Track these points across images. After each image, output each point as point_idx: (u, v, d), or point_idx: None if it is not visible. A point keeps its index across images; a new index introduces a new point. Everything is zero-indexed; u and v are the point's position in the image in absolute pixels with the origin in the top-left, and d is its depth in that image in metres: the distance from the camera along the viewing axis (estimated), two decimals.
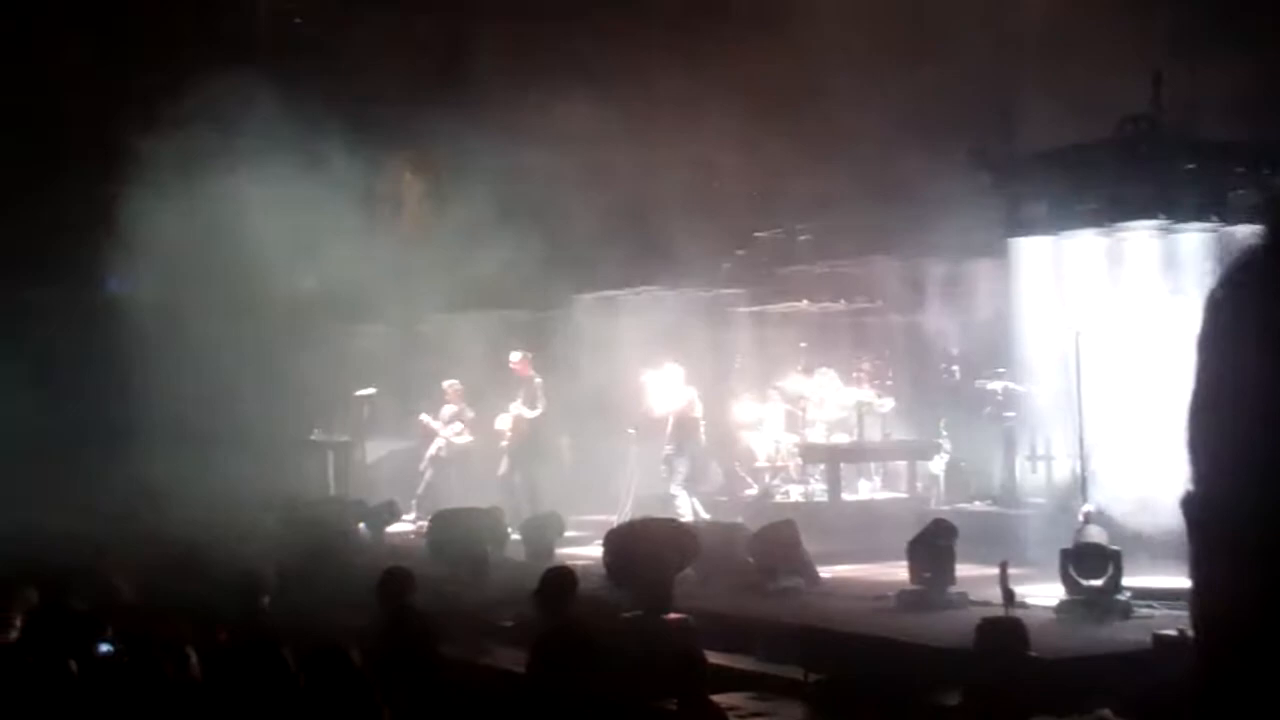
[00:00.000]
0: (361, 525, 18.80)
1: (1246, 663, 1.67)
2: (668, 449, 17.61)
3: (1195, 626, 1.77)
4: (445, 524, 16.59)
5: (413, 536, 18.64)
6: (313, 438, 22.51)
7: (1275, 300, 1.73)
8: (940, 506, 16.79)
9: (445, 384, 20.75)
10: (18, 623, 8.54)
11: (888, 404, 18.57)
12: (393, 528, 18.93)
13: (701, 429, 17.84)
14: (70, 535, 15.87)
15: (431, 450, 20.62)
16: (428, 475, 20.43)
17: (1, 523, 16.68)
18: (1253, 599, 1.68)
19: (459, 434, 20.45)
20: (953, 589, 12.68)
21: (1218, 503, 1.72)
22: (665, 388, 17.78)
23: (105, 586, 11.11)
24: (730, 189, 18.33)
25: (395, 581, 10.66)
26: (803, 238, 19.28)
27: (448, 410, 20.62)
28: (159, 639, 7.47)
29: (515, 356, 19.60)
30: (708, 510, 17.41)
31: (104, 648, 7.72)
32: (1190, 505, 1.75)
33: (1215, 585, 1.73)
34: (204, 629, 8.53)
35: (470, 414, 20.48)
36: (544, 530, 16.55)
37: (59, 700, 6.73)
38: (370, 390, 22.20)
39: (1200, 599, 1.75)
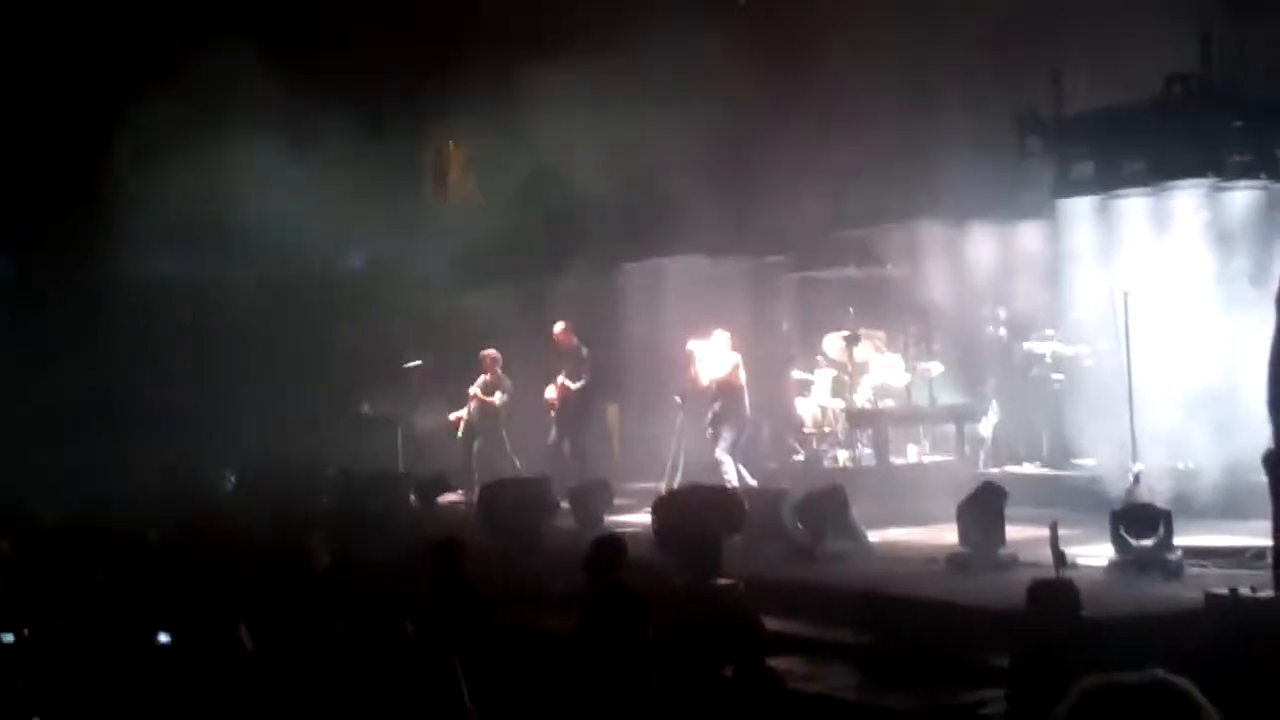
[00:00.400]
0: (412, 497, 18.91)
1: None
2: (712, 414, 17.60)
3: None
4: (495, 494, 16.67)
5: (463, 507, 18.74)
6: (362, 411, 22.62)
7: None
8: (989, 469, 16.75)
9: (483, 353, 20.79)
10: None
11: (935, 368, 18.52)
12: (443, 498, 19.04)
13: (746, 395, 17.82)
14: (128, 512, 15.98)
15: (465, 416, 20.62)
16: (475, 446, 20.45)
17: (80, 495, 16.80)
18: None
19: (498, 397, 20.44)
20: (1002, 551, 12.65)
21: None
22: (711, 354, 17.77)
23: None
24: (775, 155, 18.25)
25: (447, 552, 10.72)
26: (849, 202, 19.20)
27: (484, 379, 20.65)
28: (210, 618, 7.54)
29: (559, 326, 19.63)
30: (755, 476, 17.40)
31: (163, 638, 7.76)
32: (1270, 462, 1.77)
33: None
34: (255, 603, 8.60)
35: (508, 381, 20.49)
36: (593, 498, 16.60)
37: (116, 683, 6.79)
38: (417, 362, 22.29)
39: None
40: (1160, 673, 2.79)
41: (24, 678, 5.98)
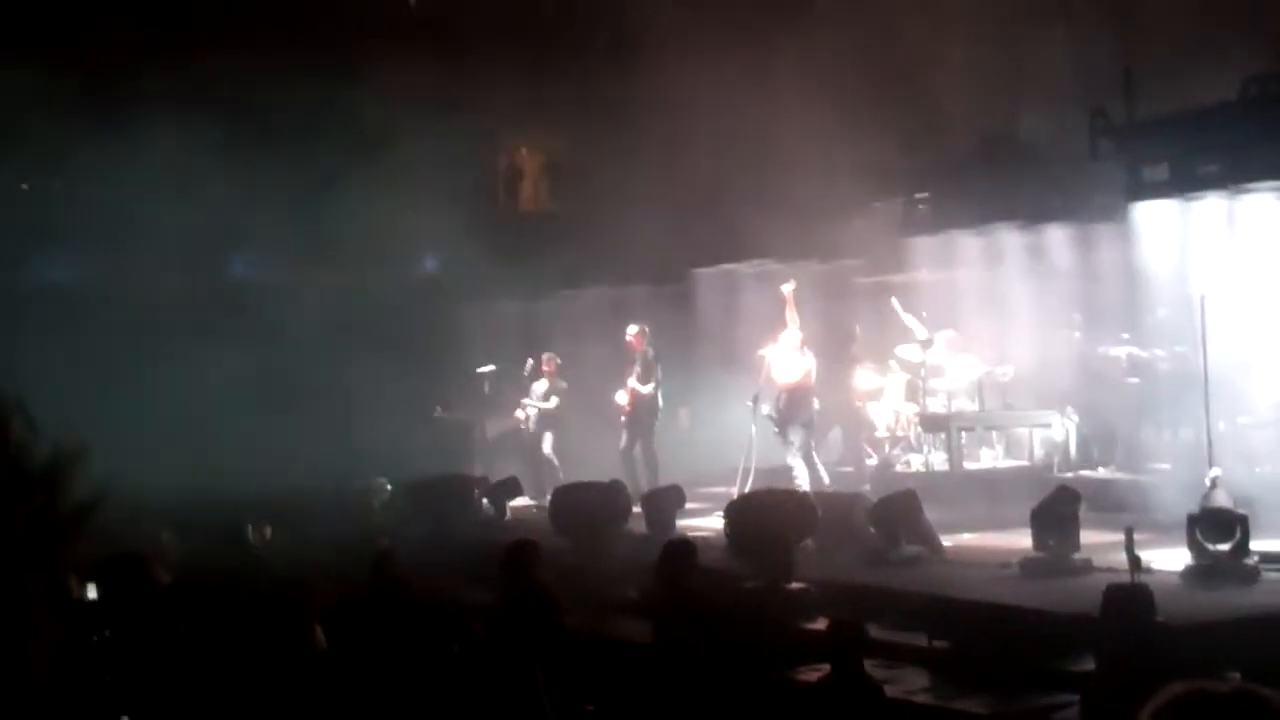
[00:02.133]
0: (484, 500, 19.02)
1: None
2: (781, 416, 17.58)
3: None
4: (566, 498, 16.73)
5: (534, 511, 18.83)
6: (435, 415, 22.77)
7: None
8: (1064, 474, 16.65)
9: (543, 357, 20.94)
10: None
11: (1009, 371, 18.43)
12: (514, 502, 19.14)
13: (815, 399, 17.80)
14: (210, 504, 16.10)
15: (525, 425, 20.81)
16: (545, 450, 20.57)
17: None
18: None
19: (545, 399, 20.59)
20: (1077, 556, 12.58)
21: None
22: (784, 359, 17.76)
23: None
24: (848, 158, 18.23)
25: (520, 555, 10.76)
26: (921, 206, 19.15)
27: (541, 385, 20.76)
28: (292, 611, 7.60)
29: (631, 330, 19.70)
30: (830, 480, 17.38)
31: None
32: None
33: None
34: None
35: (563, 384, 20.63)
36: (664, 502, 16.62)
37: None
38: (490, 367, 22.42)
39: None
40: (1237, 677, 2.79)
41: (113, 674, 6.01)
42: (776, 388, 17.62)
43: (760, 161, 18.20)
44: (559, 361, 20.89)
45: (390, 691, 6.30)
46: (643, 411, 19.46)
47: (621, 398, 19.57)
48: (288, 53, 19.73)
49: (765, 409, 17.35)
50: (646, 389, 19.40)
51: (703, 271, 21.63)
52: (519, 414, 21.05)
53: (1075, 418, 17.69)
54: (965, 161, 17.67)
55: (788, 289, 17.41)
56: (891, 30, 17.72)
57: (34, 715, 2.57)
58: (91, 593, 6.71)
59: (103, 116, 19.52)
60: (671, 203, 18.78)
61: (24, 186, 22.61)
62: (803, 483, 16.89)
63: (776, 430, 17.52)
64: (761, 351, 17.82)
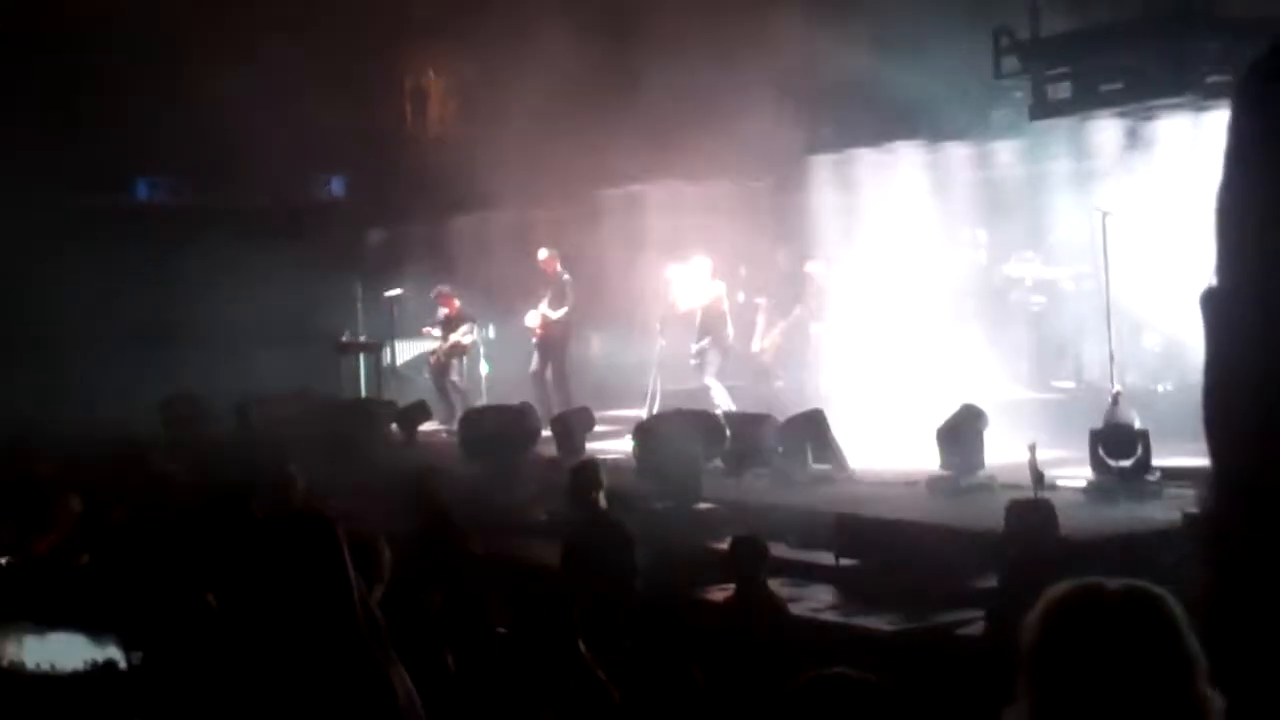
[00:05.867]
0: (393, 426, 18.91)
1: (1254, 457, 1.67)
2: (700, 343, 17.64)
3: (1206, 425, 1.76)
4: (475, 422, 16.68)
5: (444, 435, 18.76)
6: (342, 339, 22.57)
7: None
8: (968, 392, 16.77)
9: (434, 291, 20.74)
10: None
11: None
12: (423, 427, 19.05)
13: (729, 322, 17.84)
14: (110, 434, 15.90)
15: (431, 359, 20.66)
16: (452, 376, 20.44)
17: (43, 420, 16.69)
18: (1254, 383, 1.68)
19: (466, 334, 20.42)
20: (982, 473, 12.73)
21: (1228, 294, 1.71)
22: (691, 280, 17.76)
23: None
24: (752, 77, 18.13)
25: (427, 480, 10.76)
26: (825, 127, 19.10)
27: (442, 313, 20.59)
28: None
29: (543, 254, 19.59)
30: (736, 402, 17.44)
31: None
32: (1206, 299, 1.75)
33: (1225, 371, 1.73)
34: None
35: (469, 310, 20.47)
36: (574, 425, 16.62)
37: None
38: (398, 291, 22.24)
39: (1213, 395, 1.75)
40: (1136, 581, 2.81)
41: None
42: (681, 309, 17.65)
43: (667, 81, 18.06)
44: (445, 289, 20.63)
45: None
46: (555, 335, 19.41)
47: (532, 320, 19.48)
48: None
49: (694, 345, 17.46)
50: (558, 314, 19.33)
51: (608, 193, 21.51)
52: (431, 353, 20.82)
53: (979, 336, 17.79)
54: (867, 80, 17.62)
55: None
56: None
57: None
58: None
59: None
60: (574, 124, 18.60)
61: None
62: (720, 403, 16.97)
63: (695, 354, 17.59)
64: (667, 272, 17.82)
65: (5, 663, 4.14)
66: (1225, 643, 1.87)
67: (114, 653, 4.41)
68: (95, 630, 4.40)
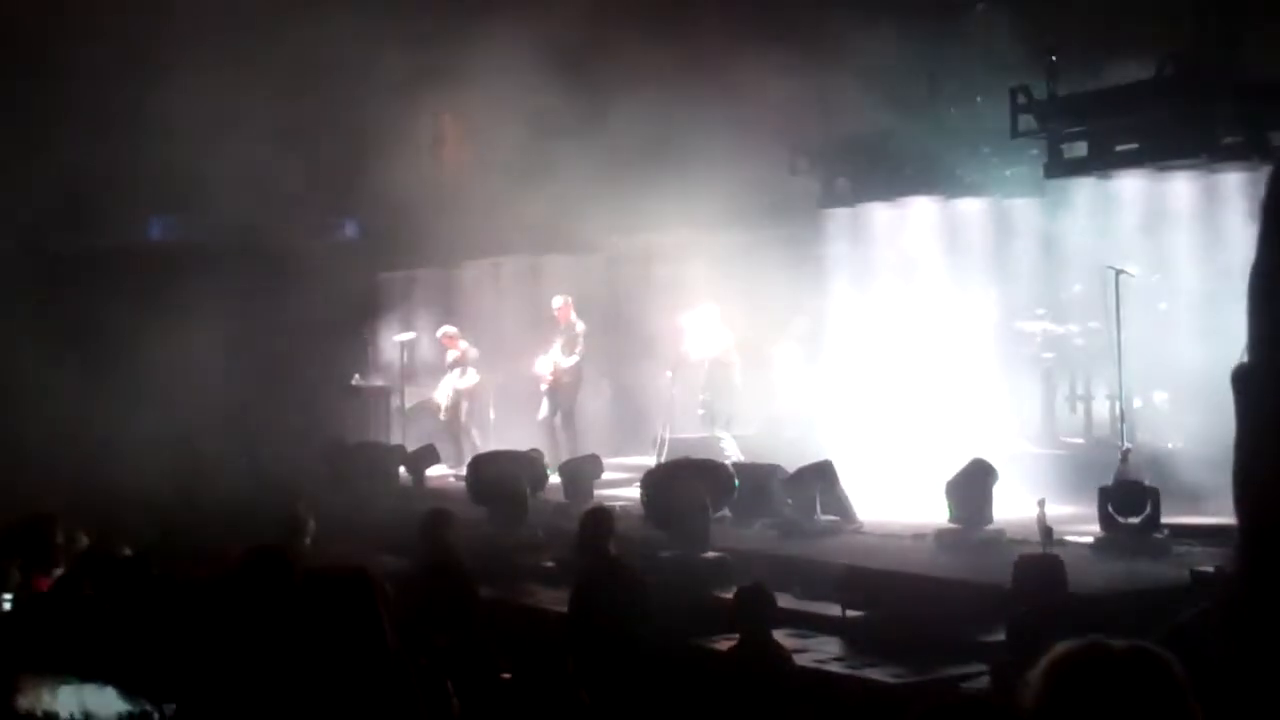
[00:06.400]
0: (401, 469, 18.93)
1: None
2: (704, 395, 17.69)
3: (1235, 496, 1.78)
4: (484, 467, 16.69)
5: (452, 480, 18.77)
6: (352, 383, 22.63)
7: None
8: (979, 447, 16.76)
9: (439, 332, 20.80)
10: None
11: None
12: (432, 471, 19.07)
13: (738, 371, 17.87)
14: (117, 480, 15.94)
15: (444, 403, 20.69)
16: (462, 420, 20.47)
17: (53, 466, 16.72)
18: None
19: (461, 376, 20.47)
20: (990, 528, 12.71)
21: (1263, 371, 1.74)
22: (702, 330, 17.80)
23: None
24: (770, 130, 18.21)
25: (435, 523, 10.75)
26: (840, 179, 19.16)
27: (450, 356, 20.63)
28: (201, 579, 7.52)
29: (558, 301, 19.66)
30: (745, 452, 17.44)
31: None
32: (1238, 376, 1.77)
33: (1255, 443, 1.75)
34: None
35: (474, 353, 20.51)
36: (582, 472, 16.63)
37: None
38: (410, 335, 22.29)
39: (1243, 468, 1.77)
40: (1140, 641, 2.82)
41: None
42: (694, 358, 17.69)
43: (682, 132, 18.15)
44: (451, 331, 20.70)
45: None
46: (565, 382, 19.45)
47: (543, 367, 19.53)
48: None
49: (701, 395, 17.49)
50: (569, 362, 19.38)
51: (623, 239, 21.56)
52: (437, 398, 20.85)
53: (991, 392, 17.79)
54: (884, 135, 17.69)
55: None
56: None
57: None
58: None
59: None
60: (587, 172, 18.67)
61: None
62: (730, 453, 16.99)
63: (703, 405, 17.63)
64: (681, 320, 17.87)
65: (40, 712, 4.14)
66: (1248, 694, 1.88)
67: (146, 705, 4.42)
68: (126, 682, 4.41)
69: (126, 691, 4.30)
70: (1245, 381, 1.81)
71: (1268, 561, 1.81)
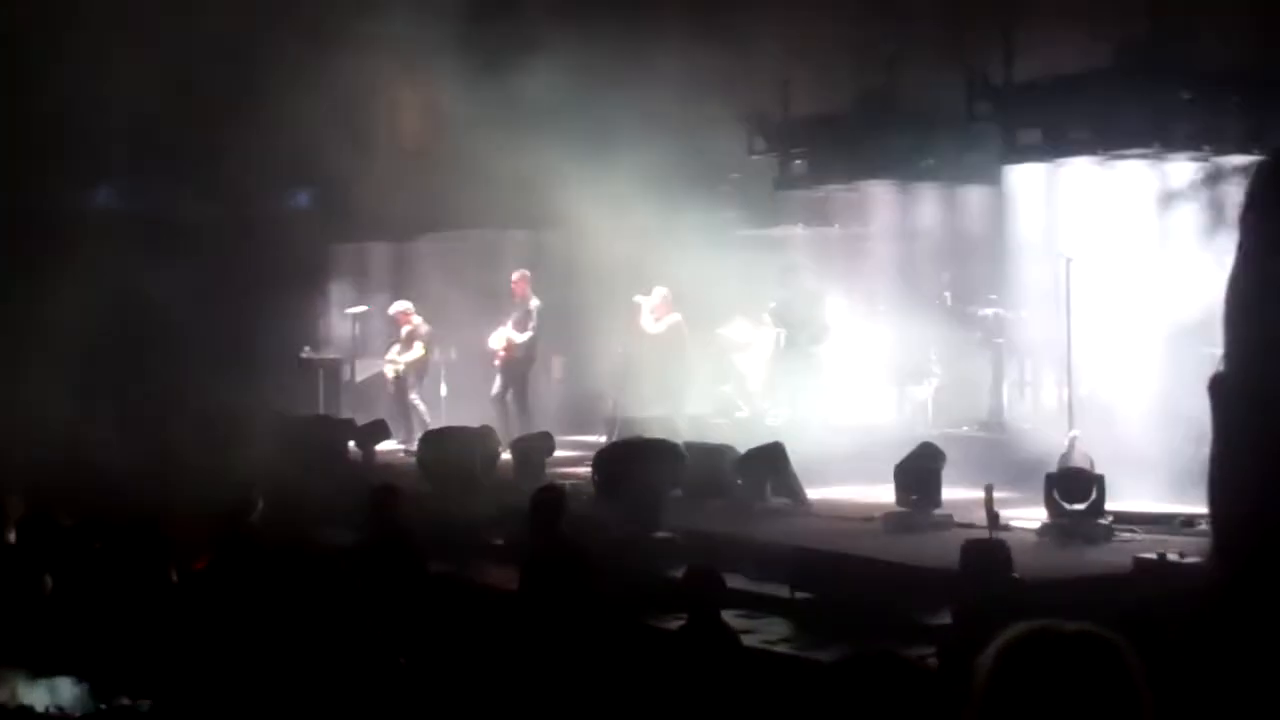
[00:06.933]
0: (351, 444, 18.85)
1: (1254, 533, 1.72)
2: (655, 374, 17.72)
3: (1210, 501, 1.81)
4: (435, 443, 16.66)
5: (402, 455, 18.71)
6: (302, 355, 22.48)
7: None
8: (928, 431, 16.86)
9: (392, 309, 20.70)
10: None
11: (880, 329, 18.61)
12: (382, 446, 18.99)
13: (688, 350, 17.90)
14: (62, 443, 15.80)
15: (390, 377, 20.60)
16: (412, 395, 20.38)
17: None
18: (1262, 475, 1.72)
19: (422, 351, 20.35)
20: (938, 511, 12.79)
21: (1239, 380, 1.76)
22: (655, 310, 17.83)
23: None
24: (726, 110, 18.21)
25: (384, 499, 10.74)
26: (798, 161, 19.19)
27: (403, 332, 20.55)
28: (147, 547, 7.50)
29: (516, 275, 19.60)
30: (697, 432, 17.47)
31: None
32: (1215, 386, 1.80)
33: (1228, 446, 1.78)
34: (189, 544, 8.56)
35: (426, 328, 20.40)
36: (534, 449, 16.61)
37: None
38: (362, 308, 22.17)
39: (1218, 475, 1.80)
40: (1090, 624, 2.84)
41: None
42: (643, 339, 17.73)
43: (640, 111, 18.11)
44: (405, 307, 20.61)
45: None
46: (518, 358, 19.40)
47: (497, 342, 19.47)
48: None
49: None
50: (523, 337, 19.33)
51: (580, 218, 21.50)
52: (386, 370, 20.76)
53: (940, 376, 17.89)
54: (841, 119, 17.72)
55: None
56: None
57: None
58: None
59: None
60: (544, 148, 18.62)
61: None
62: (683, 433, 17.01)
63: (654, 387, 17.68)
64: (637, 298, 17.88)
65: (14, 705, 4.14)
66: (1220, 680, 1.92)
67: (124, 699, 4.42)
68: (97, 677, 4.40)
69: (102, 686, 4.30)
70: (1221, 391, 1.83)
71: (1244, 568, 1.84)
